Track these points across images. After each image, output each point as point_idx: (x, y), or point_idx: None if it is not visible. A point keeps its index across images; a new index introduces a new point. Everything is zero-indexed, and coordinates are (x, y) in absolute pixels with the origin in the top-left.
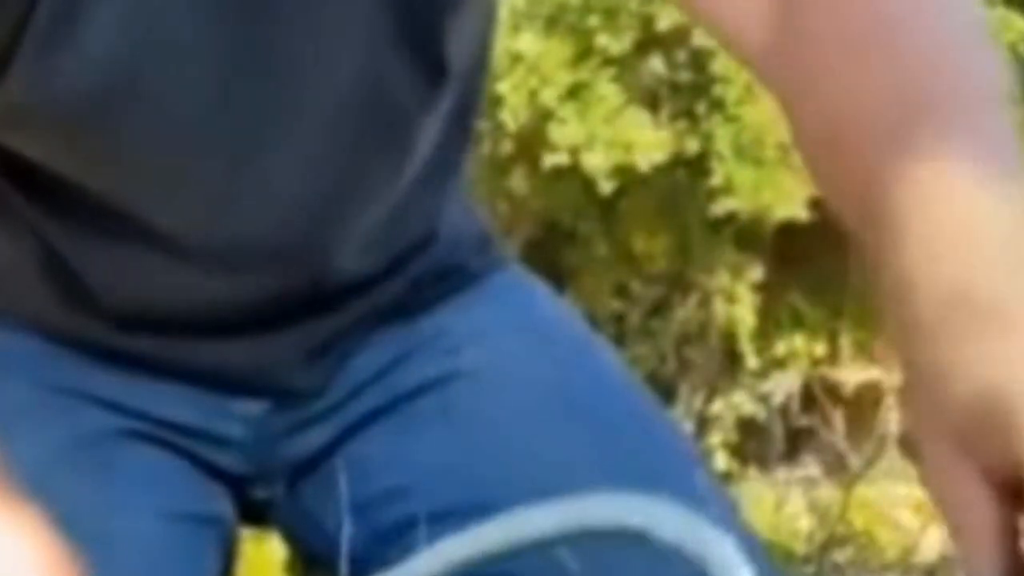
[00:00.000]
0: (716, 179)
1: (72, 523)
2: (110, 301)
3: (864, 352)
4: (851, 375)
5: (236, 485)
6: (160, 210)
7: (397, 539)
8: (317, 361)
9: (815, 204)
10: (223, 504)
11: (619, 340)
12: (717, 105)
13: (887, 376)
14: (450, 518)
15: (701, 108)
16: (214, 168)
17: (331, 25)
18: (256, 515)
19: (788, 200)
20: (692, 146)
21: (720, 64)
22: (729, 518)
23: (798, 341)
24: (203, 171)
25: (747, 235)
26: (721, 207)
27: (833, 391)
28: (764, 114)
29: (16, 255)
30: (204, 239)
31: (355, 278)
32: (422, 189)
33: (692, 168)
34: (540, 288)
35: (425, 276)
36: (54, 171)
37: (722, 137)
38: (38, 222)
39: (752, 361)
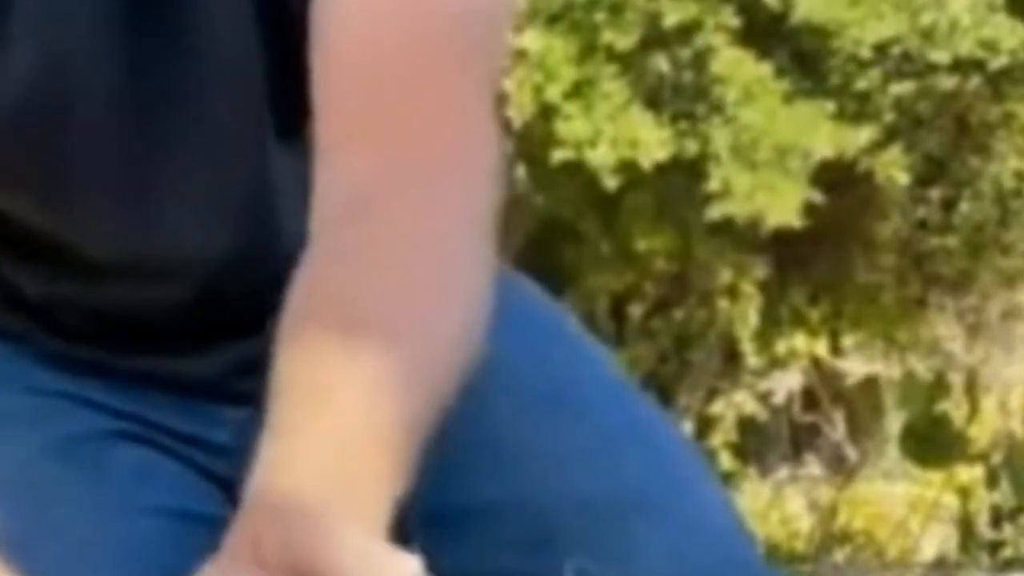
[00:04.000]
0: (713, 183)
1: (66, 522)
2: (65, 322)
3: (864, 349)
4: (854, 367)
5: (233, 490)
6: (87, 231)
7: (392, 542)
8: None
9: (810, 210)
10: (219, 504)
11: (619, 340)
12: (716, 107)
13: (886, 371)
14: (443, 521)
15: (701, 109)
16: (129, 181)
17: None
18: None
19: (783, 206)
20: (691, 147)
21: (720, 64)
22: (726, 518)
23: (799, 340)
24: (118, 187)
25: (748, 235)
26: (717, 210)
27: (834, 385)
28: (762, 117)
29: None
30: (135, 253)
31: None
32: None
33: (690, 170)
34: (534, 290)
35: None
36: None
37: (720, 139)
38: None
39: (752, 360)
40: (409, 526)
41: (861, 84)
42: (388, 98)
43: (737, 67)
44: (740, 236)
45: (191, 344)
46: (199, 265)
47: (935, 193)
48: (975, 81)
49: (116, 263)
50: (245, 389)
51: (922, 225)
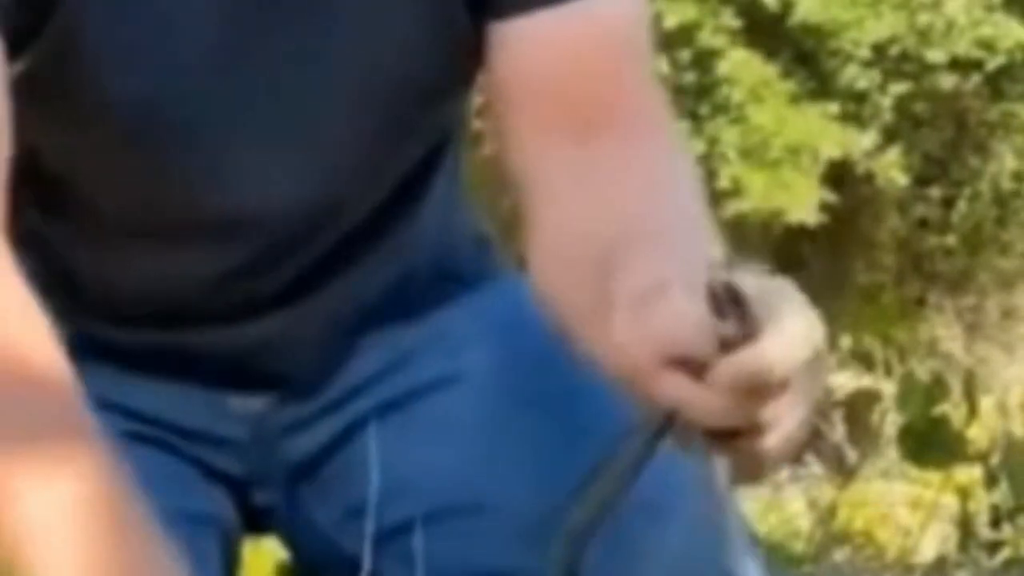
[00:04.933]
0: (723, 181)
1: None
2: (120, 300)
3: (859, 358)
4: (846, 381)
5: (236, 489)
6: (185, 197)
7: (392, 541)
8: (323, 344)
9: (823, 208)
10: (223, 505)
11: None
12: (722, 107)
13: (884, 380)
14: (443, 519)
15: (704, 109)
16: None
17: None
18: (257, 522)
19: (800, 203)
20: (697, 147)
21: (727, 65)
22: (724, 516)
23: None
24: (214, 146)
25: (747, 235)
26: (730, 210)
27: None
28: (771, 117)
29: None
30: (209, 213)
31: (348, 254)
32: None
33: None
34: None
35: (423, 276)
36: (69, 173)
37: (728, 139)
38: (42, 226)
39: None
40: (410, 525)
41: (861, 84)
42: (584, 91)
43: (744, 68)
44: (739, 236)
45: (227, 315)
46: (267, 226)
47: (934, 193)
48: (974, 81)
49: (187, 223)
50: (264, 367)
51: (921, 224)
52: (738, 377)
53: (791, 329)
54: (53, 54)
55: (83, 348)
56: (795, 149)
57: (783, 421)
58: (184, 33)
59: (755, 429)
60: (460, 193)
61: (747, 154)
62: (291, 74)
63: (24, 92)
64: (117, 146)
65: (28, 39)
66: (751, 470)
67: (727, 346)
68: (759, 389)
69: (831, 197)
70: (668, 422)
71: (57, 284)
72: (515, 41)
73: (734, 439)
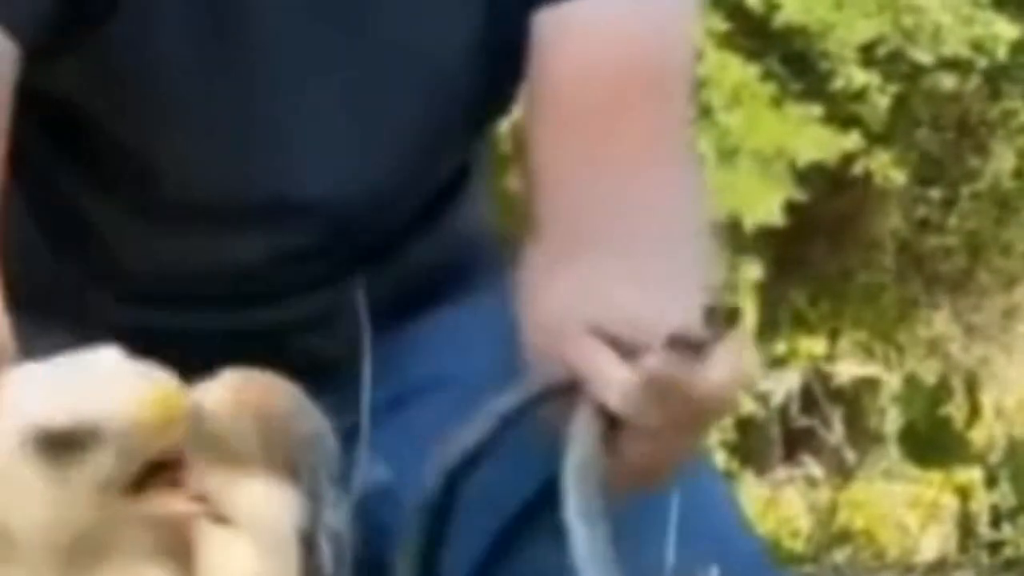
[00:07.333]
0: None
1: None
2: (147, 276)
3: (863, 349)
4: (849, 370)
5: None
6: (208, 172)
7: (390, 537)
8: (350, 335)
9: (807, 210)
10: None
11: None
12: (703, 110)
13: (885, 373)
14: (448, 511)
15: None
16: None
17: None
18: None
19: (762, 205)
20: None
21: (707, 67)
22: (730, 516)
23: (798, 341)
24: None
25: (746, 235)
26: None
27: (831, 387)
28: (745, 120)
29: (44, 231)
30: (246, 199)
31: (388, 245)
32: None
33: None
34: None
35: (443, 272)
36: (132, 149)
37: (706, 141)
38: (77, 196)
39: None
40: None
41: (855, 84)
42: (602, 128)
43: (723, 70)
44: (738, 236)
45: (269, 296)
46: (320, 211)
47: (934, 193)
48: (974, 81)
49: (243, 206)
50: (296, 355)
51: (921, 225)
52: (667, 372)
53: (730, 366)
54: (124, 40)
55: (98, 332)
56: (767, 152)
57: (663, 438)
58: (254, 18)
59: (639, 434)
60: (483, 195)
61: (722, 156)
62: (355, 61)
63: (88, 74)
64: (182, 126)
65: (90, 30)
66: (614, 474)
67: (674, 343)
68: (673, 397)
69: (804, 198)
70: (567, 388)
71: (103, 273)
72: (564, 28)
73: (617, 433)
